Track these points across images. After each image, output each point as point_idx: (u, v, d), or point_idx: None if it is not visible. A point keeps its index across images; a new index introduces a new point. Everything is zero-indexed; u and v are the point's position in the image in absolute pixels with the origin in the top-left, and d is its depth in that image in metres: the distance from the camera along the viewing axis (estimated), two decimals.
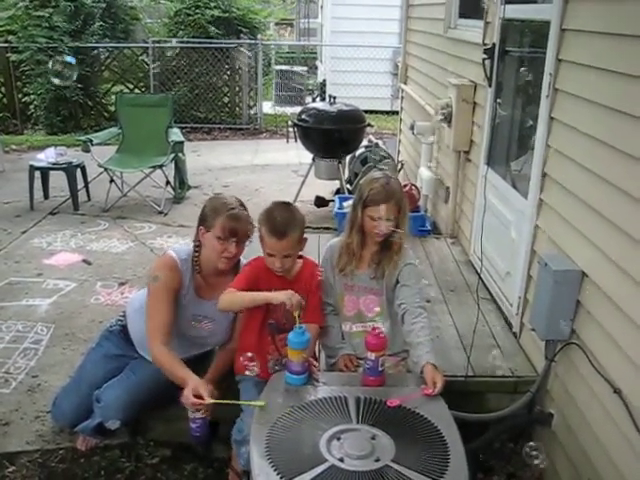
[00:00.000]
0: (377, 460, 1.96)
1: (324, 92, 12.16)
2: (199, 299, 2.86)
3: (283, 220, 2.59)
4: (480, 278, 4.02)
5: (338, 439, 2.05)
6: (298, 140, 6.38)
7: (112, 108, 9.82)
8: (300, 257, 2.75)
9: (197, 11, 10.64)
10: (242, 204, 2.83)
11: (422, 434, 2.12)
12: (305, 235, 2.70)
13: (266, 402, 2.30)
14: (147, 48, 10.73)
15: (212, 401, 2.42)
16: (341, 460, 1.95)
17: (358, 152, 6.73)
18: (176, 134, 6.83)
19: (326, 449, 2.00)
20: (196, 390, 2.49)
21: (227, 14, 10.81)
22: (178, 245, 3.04)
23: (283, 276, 2.69)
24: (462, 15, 5.32)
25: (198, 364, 2.94)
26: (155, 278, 2.80)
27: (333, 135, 6.08)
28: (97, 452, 2.99)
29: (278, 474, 1.89)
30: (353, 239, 2.76)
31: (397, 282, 2.74)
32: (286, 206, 2.71)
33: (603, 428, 2.50)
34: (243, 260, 2.91)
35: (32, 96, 10.31)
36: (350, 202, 5.38)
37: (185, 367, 2.68)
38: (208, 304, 2.85)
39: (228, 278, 2.81)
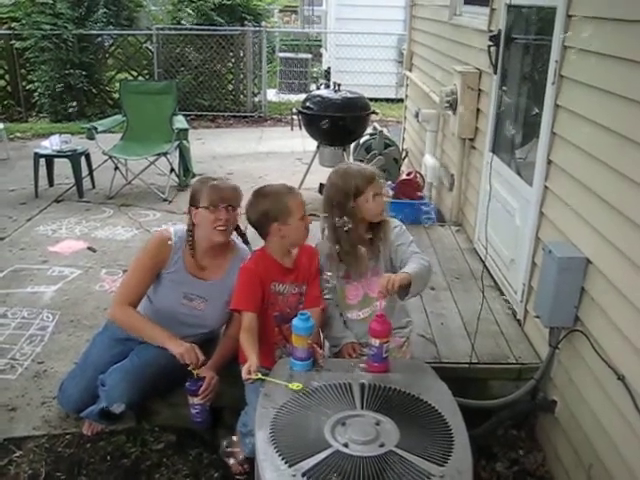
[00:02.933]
0: (381, 445, 1.97)
1: (329, 80, 12.17)
2: (192, 277, 2.91)
3: (280, 184, 2.73)
4: (485, 266, 4.02)
5: (343, 424, 2.06)
6: (302, 128, 6.37)
7: (116, 95, 9.78)
8: None
9: None
10: (228, 180, 2.99)
11: (426, 420, 2.12)
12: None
13: (304, 385, 2.26)
14: (151, 35, 10.70)
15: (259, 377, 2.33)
16: (345, 445, 1.96)
17: (363, 140, 6.71)
18: (180, 121, 6.82)
19: (330, 434, 2.01)
20: (191, 350, 2.71)
21: (231, 1, 10.74)
22: (180, 225, 3.08)
23: (283, 265, 2.70)
24: (467, 2, 5.30)
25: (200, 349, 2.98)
26: (144, 248, 2.98)
27: (337, 123, 6.06)
28: (103, 437, 3.01)
29: (283, 459, 1.90)
30: (343, 246, 2.69)
31: (392, 245, 2.76)
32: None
33: (606, 414, 2.50)
34: (246, 249, 2.96)
35: (36, 84, 10.28)
36: None
37: (160, 328, 2.83)
38: (202, 283, 2.92)
39: (219, 260, 2.92)
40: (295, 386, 2.25)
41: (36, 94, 10.40)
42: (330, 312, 2.85)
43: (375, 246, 2.76)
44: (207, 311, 2.95)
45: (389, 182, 5.32)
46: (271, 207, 2.61)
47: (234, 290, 2.71)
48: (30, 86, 10.43)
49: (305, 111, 6.23)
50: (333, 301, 2.85)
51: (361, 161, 6.48)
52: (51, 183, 6.68)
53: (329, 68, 13.20)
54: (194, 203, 2.84)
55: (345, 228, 2.65)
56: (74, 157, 6.40)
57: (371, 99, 6.94)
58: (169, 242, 2.89)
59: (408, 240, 2.74)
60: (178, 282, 2.91)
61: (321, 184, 6.38)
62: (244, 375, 2.32)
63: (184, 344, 2.75)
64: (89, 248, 5.19)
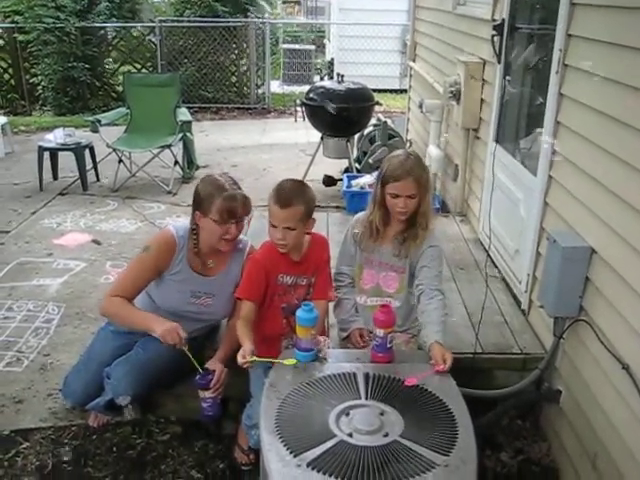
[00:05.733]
0: (386, 435, 1.97)
1: (332, 71, 12.15)
2: (197, 275, 2.88)
3: (290, 191, 2.57)
4: (489, 256, 4.02)
5: (347, 415, 2.06)
6: (306, 119, 6.36)
7: (120, 88, 9.81)
8: (308, 233, 2.74)
9: None
10: (235, 182, 2.82)
11: (431, 410, 2.13)
12: (314, 216, 2.67)
13: (297, 361, 2.34)
14: (154, 27, 10.68)
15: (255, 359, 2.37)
16: (350, 435, 1.97)
17: (367, 131, 6.70)
18: (184, 114, 6.82)
19: (335, 424, 2.01)
20: (172, 330, 2.64)
21: None
22: (179, 221, 3.05)
23: (291, 258, 2.68)
24: None
25: (205, 341, 2.98)
26: (147, 248, 2.86)
27: (341, 114, 6.05)
28: (109, 429, 3.02)
29: (288, 449, 1.91)
30: (375, 215, 2.77)
31: (419, 262, 2.75)
32: (298, 181, 2.71)
33: (611, 404, 2.50)
34: (245, 238, 2.93)
35: (40, 77, 10.30)
36: (358, 181, 5.41)
37: (147, 313, 2.77)
38: (207, 280, 2.90)
39: (226, 255, 2.89)
40: (289, 362, 2.31)
41: (39, 87, 10.41)
42: (346, 293, 2.88)
43: (405, 246, 2.76)
44: (215, 305, 2.95)
45: None
46: (268, 198, 2.62)
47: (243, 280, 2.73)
48: (33, 79, 10.45)
49: (309, 102, 6.22)
50: (352, 282, 2.89)
51: (365, 153, 6.50)
52: (55, 176, 6.68)
53: (333, 59, 13.18)
54: (201, 209, 2.75)
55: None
56: (78, 150, 6.41)
57: (375, 90, 6.91)
58: (174, 243, 2.81)
59: (436, 269, 2.72)
60: (184, 282, 2.86)
61: (325, 176, 6.39)
62: (239, 360, 2.34)
63: (166, 322, 2.68)
64: (94, 241, 5.20)
